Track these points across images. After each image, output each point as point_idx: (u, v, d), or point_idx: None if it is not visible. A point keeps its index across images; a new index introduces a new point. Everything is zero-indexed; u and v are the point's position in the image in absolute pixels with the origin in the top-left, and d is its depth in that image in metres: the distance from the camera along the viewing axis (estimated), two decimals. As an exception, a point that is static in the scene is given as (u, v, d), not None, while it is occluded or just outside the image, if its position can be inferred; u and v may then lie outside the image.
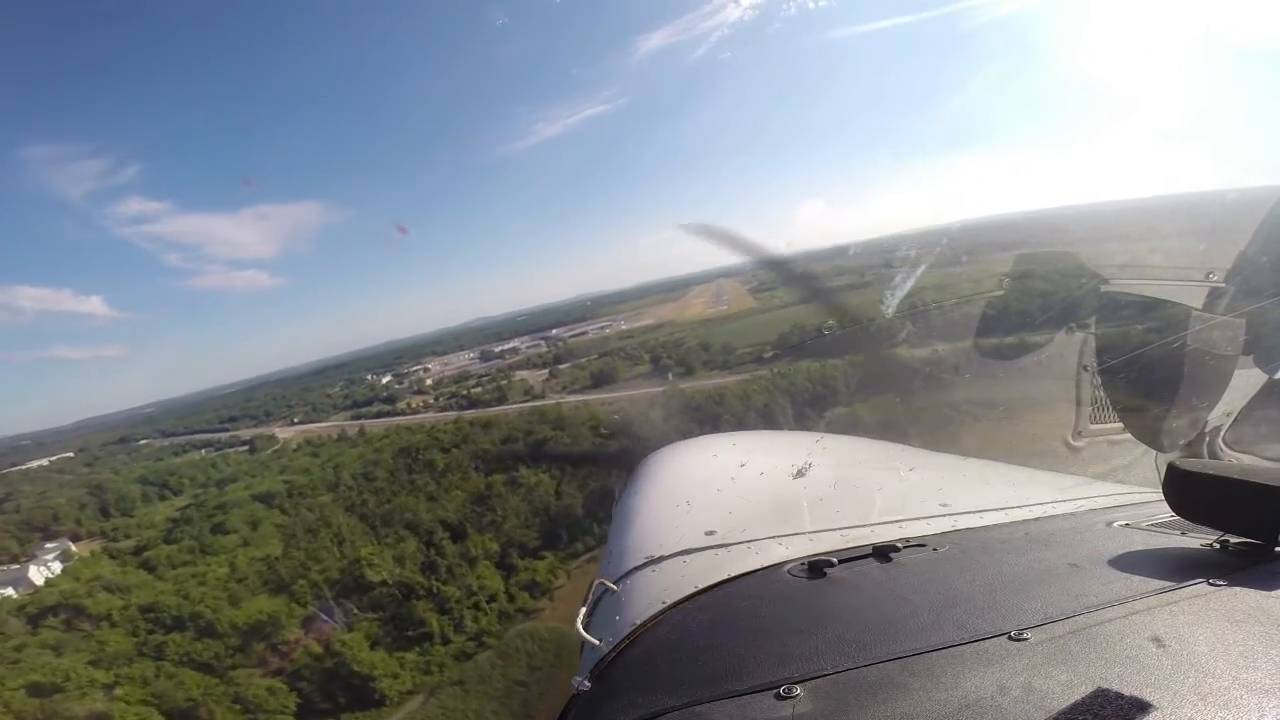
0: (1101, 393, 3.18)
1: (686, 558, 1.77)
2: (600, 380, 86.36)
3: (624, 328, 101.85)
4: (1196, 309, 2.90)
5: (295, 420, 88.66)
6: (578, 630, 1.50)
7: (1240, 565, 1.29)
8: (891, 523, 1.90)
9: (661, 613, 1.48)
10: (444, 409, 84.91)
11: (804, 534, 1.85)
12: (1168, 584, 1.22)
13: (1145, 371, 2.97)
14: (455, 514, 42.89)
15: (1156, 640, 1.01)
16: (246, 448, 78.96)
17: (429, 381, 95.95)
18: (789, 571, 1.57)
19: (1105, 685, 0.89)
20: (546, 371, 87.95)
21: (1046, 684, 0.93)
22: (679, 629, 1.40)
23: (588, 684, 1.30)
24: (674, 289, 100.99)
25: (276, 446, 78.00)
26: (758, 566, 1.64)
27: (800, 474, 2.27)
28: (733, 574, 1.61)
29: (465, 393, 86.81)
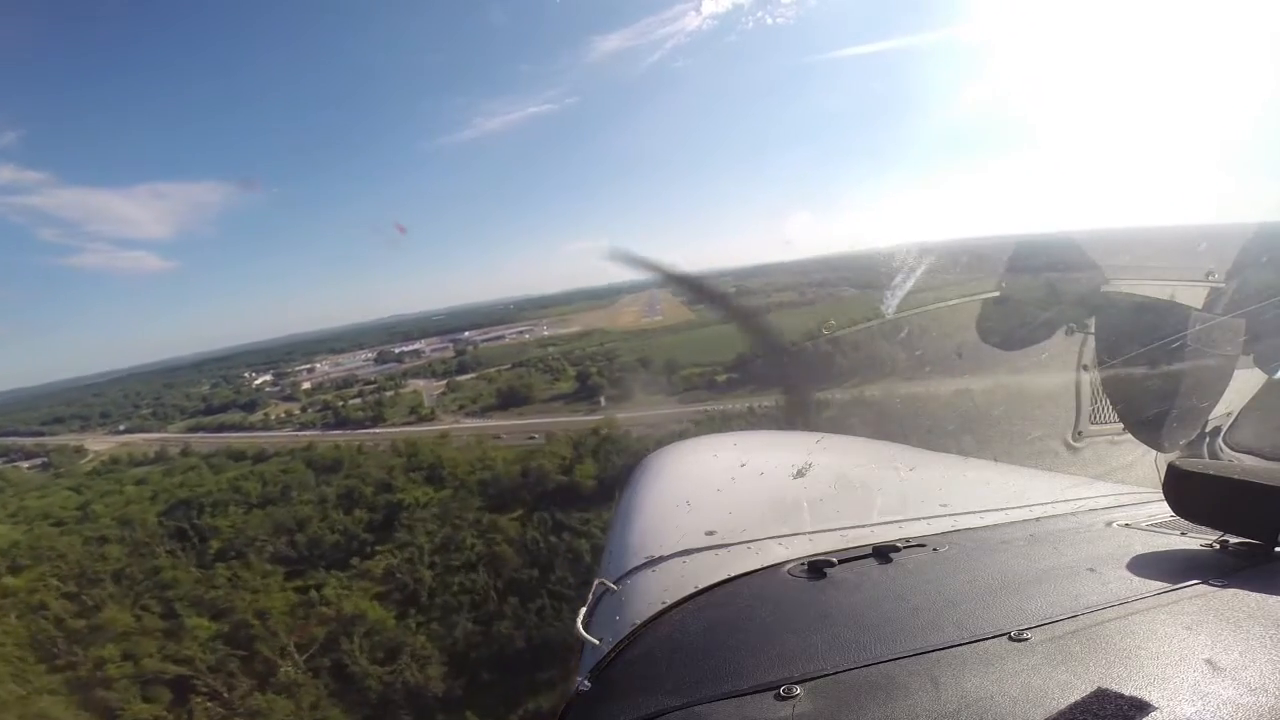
0: (1101, 393, 3.04)
1: (686, 558, 1.66)
2: (509, 399, 61.48)
3: (546, 334, 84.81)
4: (1196, 309, 2.83)
5: (122, 428, 66.26)
6: (577, 630, 1.43)
7: (1240, 566, 1.26)
8: (891, 523, 1.80)
9: (661, 613, 1.41)
10: (306, 424, 64.10)
11: (804, 534, 1.74)
12: (1168, 584, 1.19)
13: (1145, 371, 2.80)
14: (190, 666, 16.29)
15: (1156, 640, 0.98)
16: (43, 462, 56.62)
17: (306, 386, 74.93)
18: (789, 572, 1.50)
19: (1105, 685, 0.87)
20: (444, 384, 68.59)
21: (1046, 684, 0.91)
22: (679, 629, 1.35)
23: (587, 684, 1.23)
24: (603, 296, 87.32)
25: (70, 465, 54.53)
26: (757, 566, 1.56)
27: (800, 474, 2.12)
28: (733, 574, 1.53)
29: (341, 404, 67.60)
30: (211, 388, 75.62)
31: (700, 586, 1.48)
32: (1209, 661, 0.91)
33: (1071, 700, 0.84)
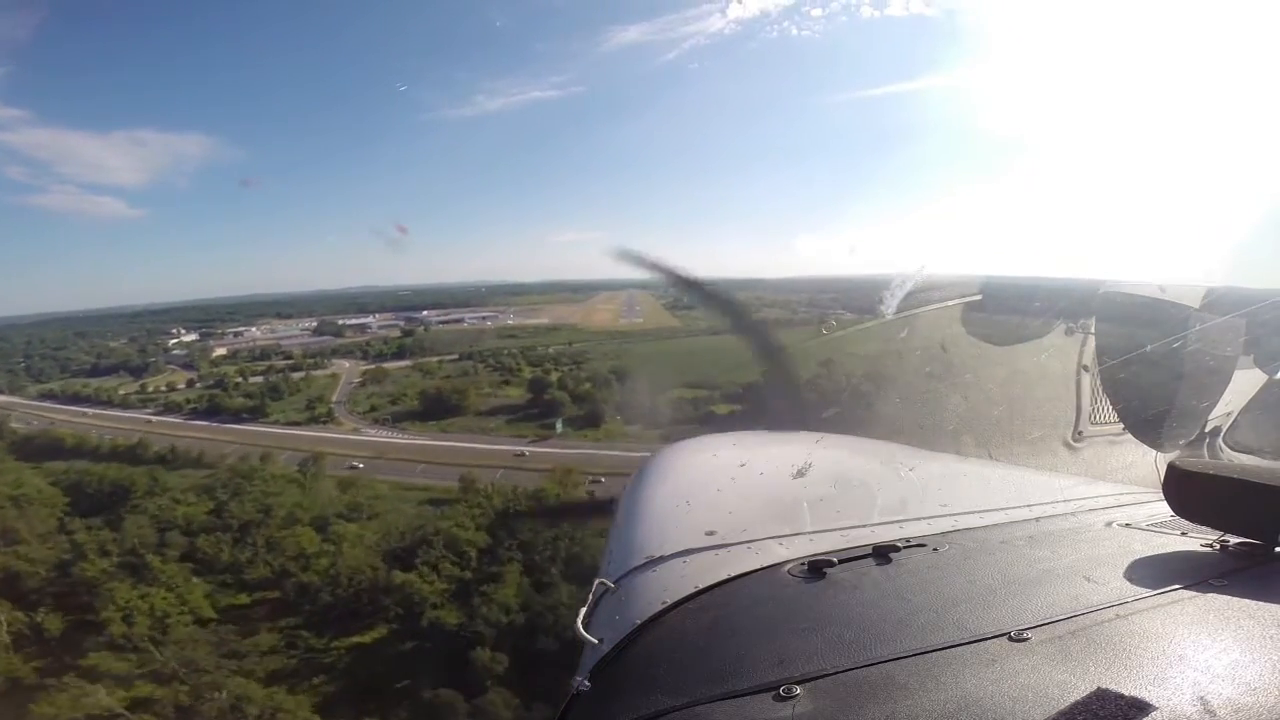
0: (1101, 393, 2.95)
1: (686, 558, 1.59)
2: (435, 407, 49.15)
3: (510, 323, 70.04)
4: (1196, 309, 2.71)
5: (-33, 389, 53.60)
6: (577, 629, 1.36)
7: (1240, 565, 1.23)
8: (891, 523, 1.75)
9: (661, 613, 1.35)
10: (172, 408, 47.01)
11: (804, 534, 1.69)
12: (1168, 584, 1.16)
13: (1145, 371, 2.68)
14: None
15: (1156, 640, 0.97)
16: None
17: (221, 352, 59.70)
18: (789, 571, 1.44)
19: (1105, 685, 0.84)
20: (371, 368, 53.32)
21: (1047, 684, 0.88)
22: (679, 629, 1.29)
23: (587, 684, 1.17)
24: (580, 291, 77.71)
25: None
26: (757, 566, 1.50)
27: (800, 474, 2.01)
28: (733, 574, 1.47)
29: (237, 383, 52.50)
30: (128, 341, 61.82)
31: (700, 586, 1.42)
32: (1209, 661, 0.89)
33: (1071, 700, 0.81)
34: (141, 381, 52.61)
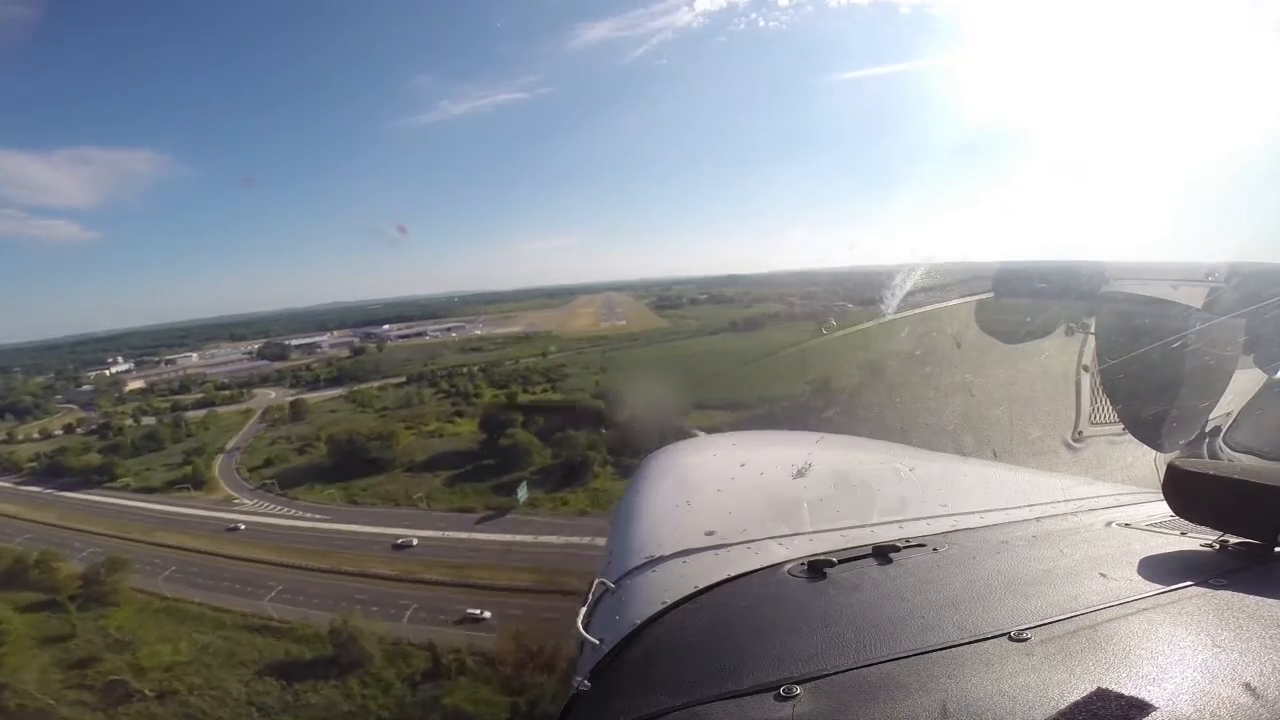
0: (1101, 393, 2.92)
1: (686, 558, 1.58)
2: (350, 461, 34.56)
3: (478, 333, 60.07)
4: (1196, 309, 2.68)
5: None
6: (577, 629, 1.35)
7: (1240, 566, 1.22)
8: (891, 523, 1.73)
9: (661, 613, 1.34)
10: (10, 466, 37.11)
11: (804, 534, 1.67)
12: (1168, 584, 1.15)
13: (1145, 371, 2.64)
14: None
15: (1156, 640, 0.96)
16: None
17: (137, 385, 50.97)
18: (789, 571, 1.43)
19: (1105, 685, 0.83)
20: (262, 413, 43.54)
21: (1046, 684, 0.87)
22: (679, 629, 1.28)
23: (587, 684, 1.16)
24: (556, 296, 72.45)
25: None
26: (757, 566, 1.49)
27: (800, 474, 1.99)
28: (733, 574, 1.46)
29: (123, 426, 41.24)
30: (54, 375, 53.40)
31: (700, 586, 1.40)
32: (1209, 661, 0.88)
33: (1071, 700, 0.80)
34: (11, 428, 42.19)
